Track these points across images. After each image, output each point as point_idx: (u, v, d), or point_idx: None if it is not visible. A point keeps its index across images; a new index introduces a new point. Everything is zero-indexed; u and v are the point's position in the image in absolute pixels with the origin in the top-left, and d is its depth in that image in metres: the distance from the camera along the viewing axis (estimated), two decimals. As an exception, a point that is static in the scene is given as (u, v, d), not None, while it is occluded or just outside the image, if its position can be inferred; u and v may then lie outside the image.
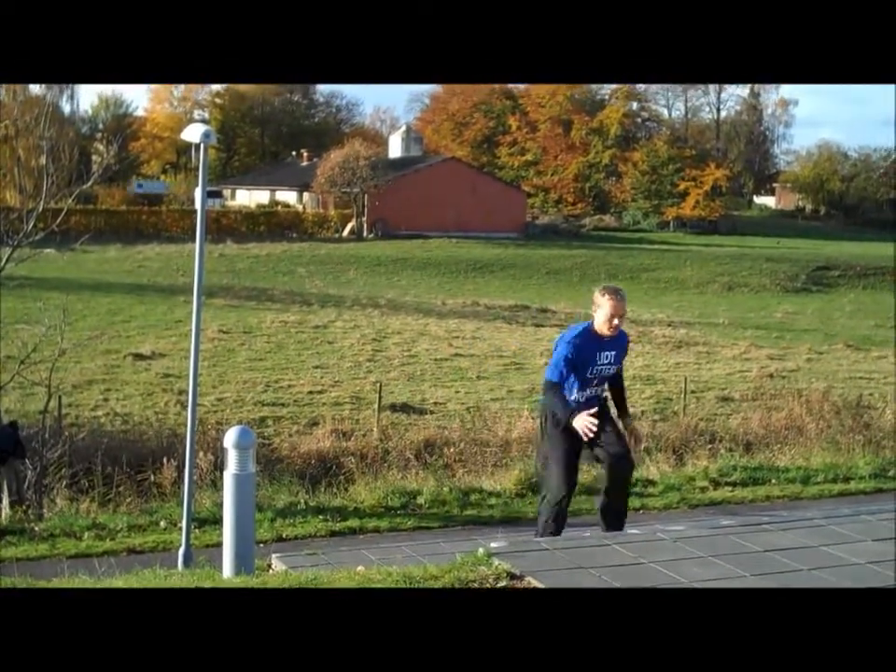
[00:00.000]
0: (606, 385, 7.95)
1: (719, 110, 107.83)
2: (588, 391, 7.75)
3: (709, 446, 16.92)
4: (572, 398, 7.70)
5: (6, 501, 13.73)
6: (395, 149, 79.34)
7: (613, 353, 7.82)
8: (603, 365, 7.76)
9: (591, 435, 7.38)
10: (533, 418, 18.86)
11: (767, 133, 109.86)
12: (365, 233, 65.62)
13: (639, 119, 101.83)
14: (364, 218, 66.47)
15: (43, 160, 17.70)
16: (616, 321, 7.69)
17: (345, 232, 65.96)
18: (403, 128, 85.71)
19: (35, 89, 63.55)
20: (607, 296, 7.71)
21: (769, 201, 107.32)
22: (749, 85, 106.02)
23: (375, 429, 18.11)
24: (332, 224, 66.99)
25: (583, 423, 7.34)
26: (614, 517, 7.76)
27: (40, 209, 14.58)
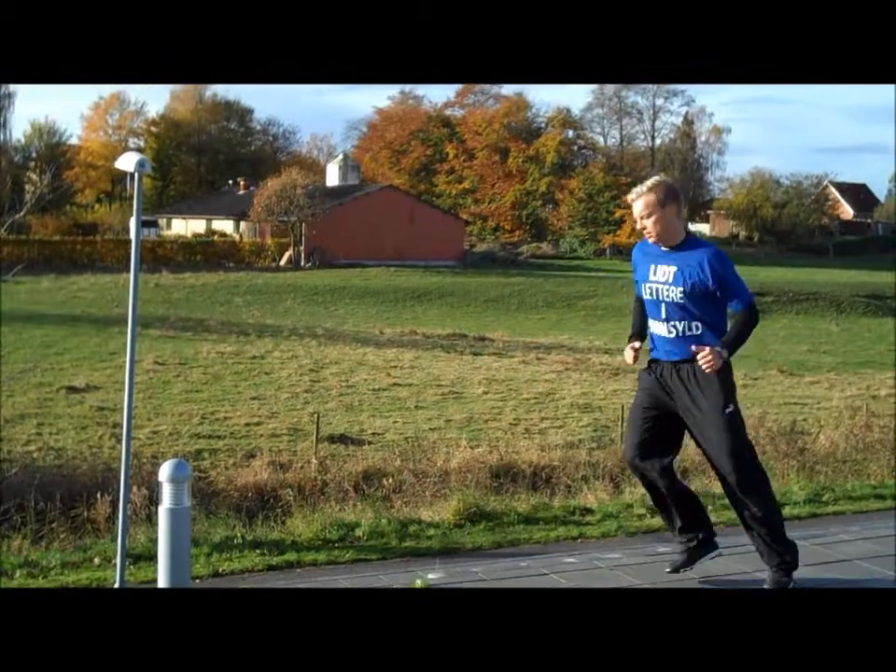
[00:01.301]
0: (699, 327, 6.03)
1: (654, 138, 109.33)
2: (665, 326, 6.10)
3: (646, 473, 17.00)
4: (651, 332, 6.27)
5: (-65, 539, 13.46)
6: (332, 178, 79.30)
7: (673, 269, 6.05)
8: (659, 284, 6.07)
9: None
10: (470, 448, 18.86)
11: (701, 160, 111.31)
12: (303, 262, 65.46)
13: (575, 147, 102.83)
14: (302, 247, 66.33)
15: (-26, 190, 17.52)
16: (640, 225, 6.22)
17: (283, 261, 65.75)
18: (340, 156, 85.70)
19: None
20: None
21: (704, 228, 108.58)
22: (683, 112, 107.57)
23: (313, 461, 17.99)
24: (270, 253, 66.77)
25: (626, 354, 6.33)
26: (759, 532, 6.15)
27: (-29, 241, 14.38)
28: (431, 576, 6.50)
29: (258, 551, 12.12)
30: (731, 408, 5.96)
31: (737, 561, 6.82)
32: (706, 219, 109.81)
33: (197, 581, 9.85)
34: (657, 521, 13.72)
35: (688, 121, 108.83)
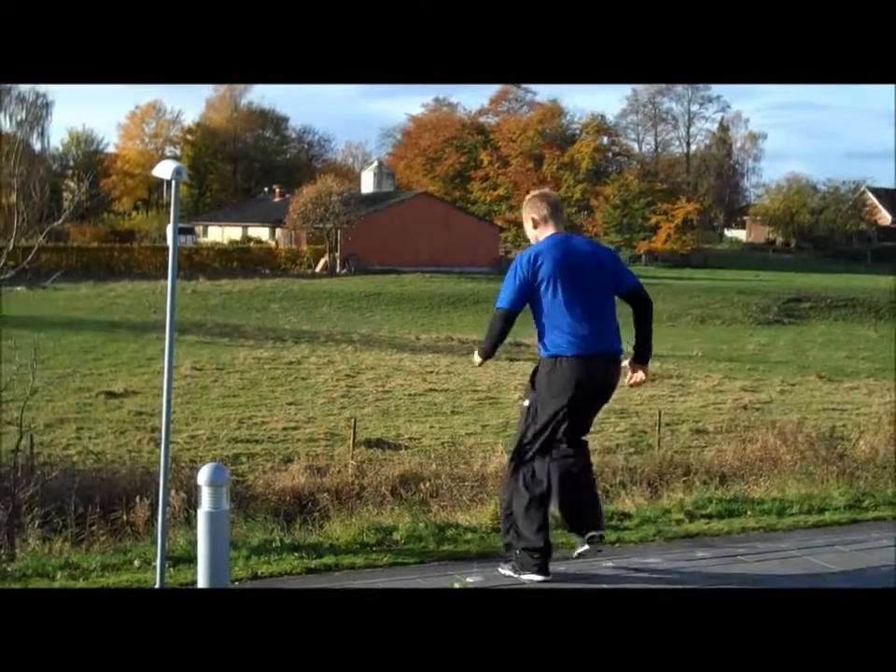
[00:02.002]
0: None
1: (689, 144, 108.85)
2: None
3: (684, 478, 16.91)
4: None
5: (-24, 542, 13.59)
6: (367, 185, 79.44)
7: None
8: None
9: None
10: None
11: (737, 166, 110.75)
12: (338, 269, 65.63)
13: (610, 154, 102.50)
14: (337, 254, 66.49)
15: (13, 197, 17.63)
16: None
17: (318, 268, 65.94)
18: (375, 163, 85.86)
19: (6, 126, 63.50)
20: None
21: (740, 234, 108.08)
22: (718, 118, 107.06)
23: (350, 465, 18.03)
24: (305, 260, 66.98)
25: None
26: None
27: (10, 247, 14.49)
28: (469, 579, 6.49)
29: (296, 554, 12.16)
30: (525, 402, 6.47)
31: (776, 567, 6.78)
32: (742, 225, 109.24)
33: (236, 583, 9.90)
34: (695, 526, 13.68)
35: (723, 127, 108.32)
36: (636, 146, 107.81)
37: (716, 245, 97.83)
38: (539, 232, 6.49)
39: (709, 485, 15.91)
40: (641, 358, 6.54)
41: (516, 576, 6.55)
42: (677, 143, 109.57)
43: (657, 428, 20.48)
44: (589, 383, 6.25)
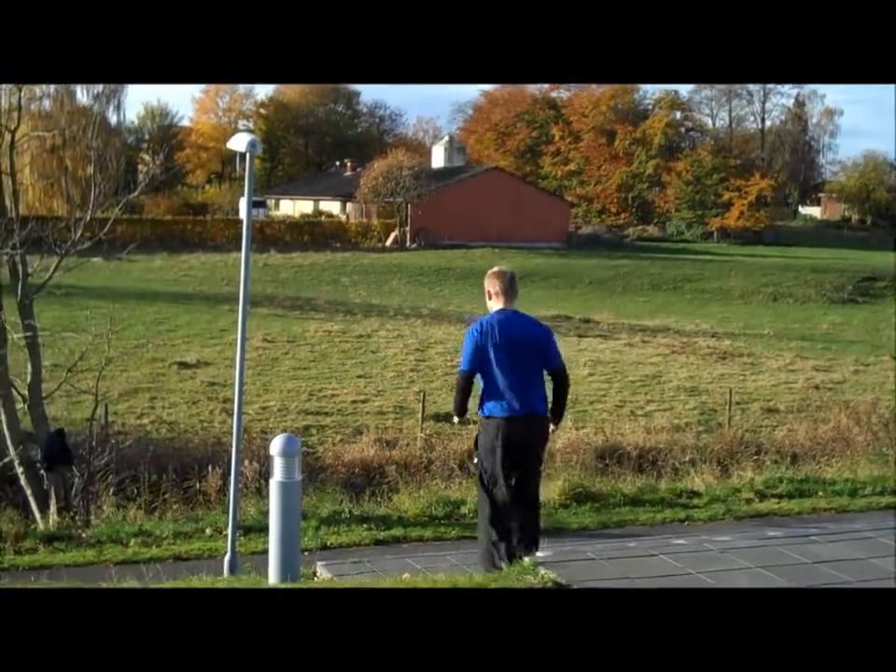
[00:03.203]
0: None
1: (763, 120, 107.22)
2: None
3: (755, 458, 16.81)
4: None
5: (53, 508, 13.87)
6: (438, 159, 79.38)
7: None
8: None
9: None
10: (576, 429, 18.82)
11: (812, 142, 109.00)
12: (408, 243, 65.76)
13: (683, 129, 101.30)
14: (407, 228, 66.60)
15: (90, 169, 17.88)
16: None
17: (388, 242, 66.13)
18: (446, 138, 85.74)
19: (83, 99, 64.36)
20: None
21: (815, 211, 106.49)
22: (794, 94, 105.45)
23: (419, 439, 18.13)
24: (375, 234, 67.18)
25: None
26: None
27: (87, 218, 14.71)
28: (540, 554, 6.49)
29: (365, 525, 12.31)
30: (475, 459, 7.62)
31: (849, 548, 6.71)
32: (817, 202, 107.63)
33: (306, 553, 10.03)
34: (766, 505, 13.62)
35: (799, 103, 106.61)
36: (709, 121, 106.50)
37: (790, 222, 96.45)
38: (491, 304, 7.56)
39: (780, 465, 15.80)
40: (555, 419, 7.76)
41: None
42: (751, 118, 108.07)
43: (727, 407, 20.33)
44: (515, 438, 7.30)
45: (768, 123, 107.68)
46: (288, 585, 6.83)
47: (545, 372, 7.54)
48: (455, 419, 8.07)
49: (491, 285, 7.52)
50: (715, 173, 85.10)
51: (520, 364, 7.30)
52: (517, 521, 7.44)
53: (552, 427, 7.73)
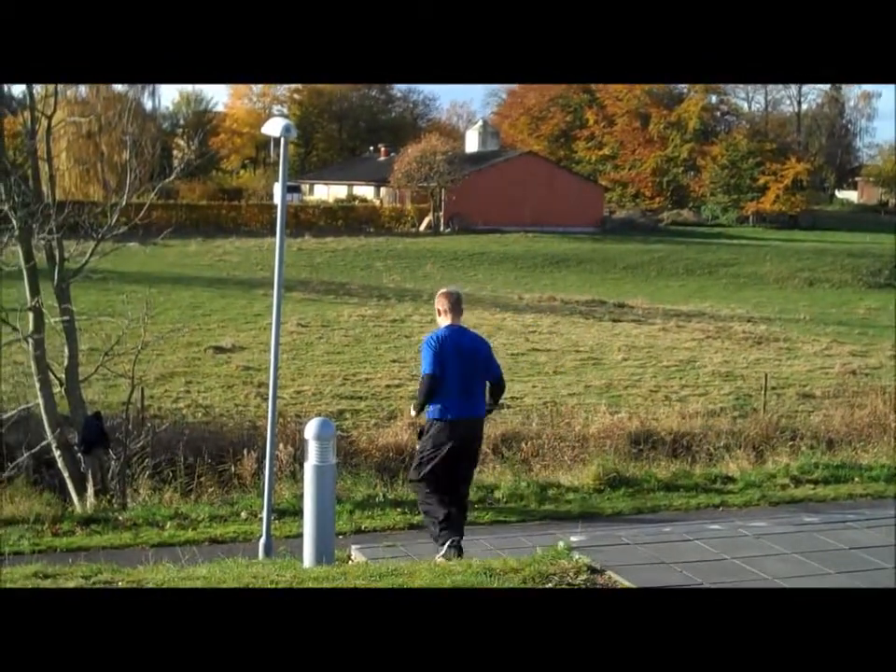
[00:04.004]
0: None
1: (800, 103, 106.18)
2: None
3: (790, 443, 16.72)
4: None
5: (90, 490, 14.00)
6: (471, 144, 79.20)
7: None
8: None
9: None
10: (610, 413, 18.79)
11: (849, 126, 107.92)
12: (442, 228, 65.71)
13: (718, 113, 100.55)
14: (441, 213, 66.54)
15: (126, 155, 17.98)
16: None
17: (422, 227, 66.10)
18: (480, 123, 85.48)
19: (118, 86, 64.64)
20: None
21: (851, 195, 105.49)
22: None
23: (452, 423, 18.11)
24: (409, 219, 67.15)
25: None
26: None
27: (123, 203, 14.80)
28: (574, 538, 6.50)
29: (399, 509, 12.35)
30: (418, 446, 8.65)
31: (886, 534, 6.67)
32: (853, 186, 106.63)
33: (340, 536, 10.07)
34: (801, 491, 13.56)
35: (836, 86, 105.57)
36: (745, 105, 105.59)
37: (826, 206, 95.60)
38: (440, 320, 8.53)
39: (816, 451, 15.72)
40: (487, 413, 8.83)
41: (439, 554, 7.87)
42: (787, 102, 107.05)
43: (763, 392, 20.22)
44: (457, 439, 8.16)
45: (805, 106, 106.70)
46: (322, 573, 6.87)
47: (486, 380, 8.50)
48: (413, 413, 8.76)
49: (441, 303, 8.52)
50: (751, 156, 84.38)
51: (467, 373, 8.21)
52: (450, 507, 8.26)
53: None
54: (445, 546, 7.90)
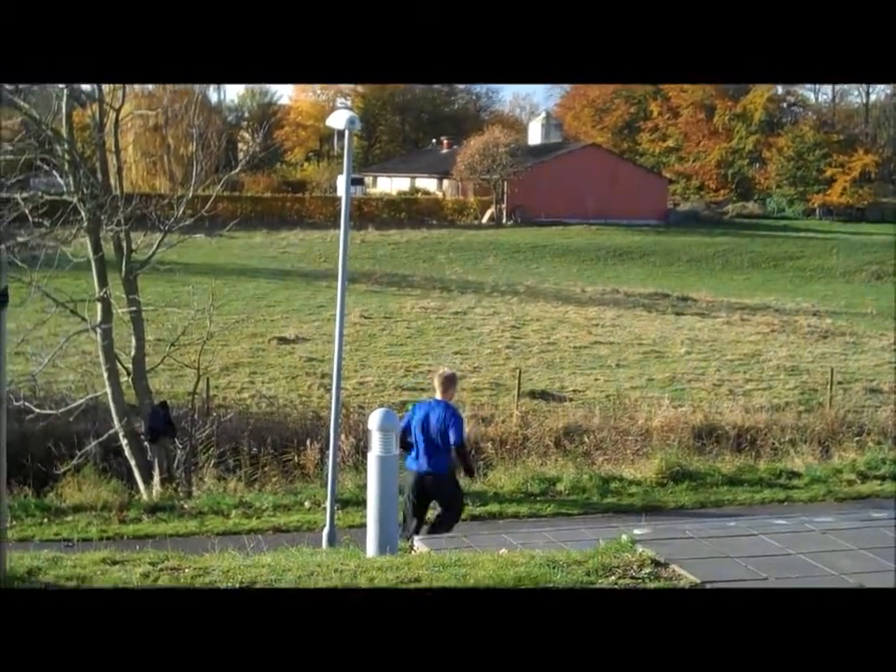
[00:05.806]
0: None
1: (868, 94, 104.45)
2: None
3: (857, 439, 16.52)
4: None
5: (157, 479, 14.18)
6: (534, 136, 78.97)
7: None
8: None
9: None
10: (673, 407, 18.68)
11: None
12: (504, 220, 65.62)
13: (784, 104, 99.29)
14: (503, 205, 66.45)
15: (192, 147, 18.16)
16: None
17: (484, 219, 66.04)
18: (543, 114, 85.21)
19: (184, 79, 65.22)
20: None
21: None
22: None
23: (515, 416, 18.14)
24: (472, 211, 67.12)
25: None
26: None
27: (189, 196, 14.95)
28: (637, 531, 6.48)
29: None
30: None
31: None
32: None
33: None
34: (868, 487, 13.41)
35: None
36: (812, 96, 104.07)
37: (894, 199, 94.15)
38: (434, 393, 10.55)
39: (883, 446, 15.53)
40: (467, 474, 11.04)
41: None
42: (856, 92, 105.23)
43: (829, 387, 19.98)
44: (423, 487, 10.02)
45: (873, 97, 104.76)
46: (386, 563, 6.92)
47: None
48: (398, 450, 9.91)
49: (434, 382, 10.66)
50: (817, 148, 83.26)
51: (430, 437, 9.97)
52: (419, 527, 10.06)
53: (464, 475, 11.04)
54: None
